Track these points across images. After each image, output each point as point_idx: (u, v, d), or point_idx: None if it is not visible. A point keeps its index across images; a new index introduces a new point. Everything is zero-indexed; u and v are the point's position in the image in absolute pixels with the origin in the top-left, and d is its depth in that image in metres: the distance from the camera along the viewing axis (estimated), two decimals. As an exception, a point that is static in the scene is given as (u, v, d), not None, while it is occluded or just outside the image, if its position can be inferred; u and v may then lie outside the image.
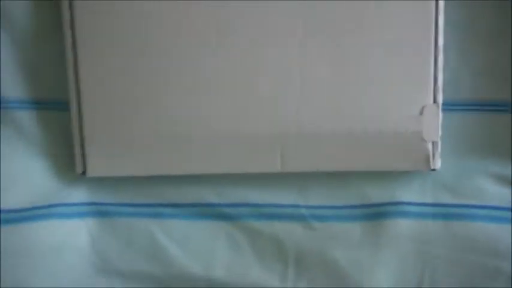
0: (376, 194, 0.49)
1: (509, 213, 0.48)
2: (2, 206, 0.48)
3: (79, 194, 0.50)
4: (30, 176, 0.49)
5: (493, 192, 0.48)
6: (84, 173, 0.48)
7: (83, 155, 0.48)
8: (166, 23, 0.46)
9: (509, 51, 0.48)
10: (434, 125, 0.46)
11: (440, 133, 0.46)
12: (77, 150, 0.48)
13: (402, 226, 0.48)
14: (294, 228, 0.49)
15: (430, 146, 0.46)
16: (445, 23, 0.46)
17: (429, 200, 0.49)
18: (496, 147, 0.49)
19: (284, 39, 0.46)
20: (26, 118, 0.49)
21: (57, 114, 0.49)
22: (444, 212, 0.48)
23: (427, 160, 0.47)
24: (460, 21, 0.48)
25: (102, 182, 0.50)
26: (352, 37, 0.46)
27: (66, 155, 0.49)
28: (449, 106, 0.48)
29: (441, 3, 0.45)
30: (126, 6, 0.46)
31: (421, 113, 0.46)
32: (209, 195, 0.50)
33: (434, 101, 0.46)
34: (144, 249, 0.50)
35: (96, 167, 0.48)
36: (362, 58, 0.46)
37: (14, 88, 0.49)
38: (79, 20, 0.46)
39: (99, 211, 0.50)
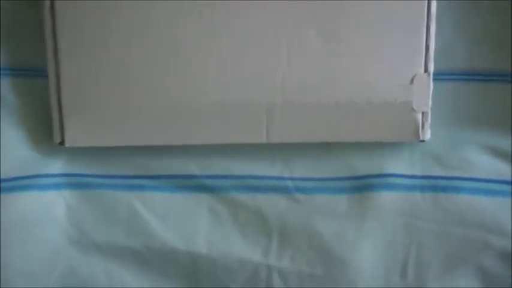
0: (363, 165, 0.48)
1: (499, 185, 0.47)
2: (-24, 177, 0.46)
3: (57, 165, 0.48)
4: (7, 145, 0.47)
5: (484, 164, 0.47)
6: (62, 143, 0.46)
7: (61, 125, 0.46)
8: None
9: (506, 20, 0.47)
10: (424, 94, 0.45)
11: (430, 103, 0.45)
12: (55, 119, 0.46)
13: (389, 198, 0.47)
14: (277, 201, 0.48)
15: (419, 116, 0.45)
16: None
17: (418, 172, 0.47)
18: (488, 118, 0.48)
19: (271, 7, 0.44)
20: (4, 85, 0.47)
21: (36, 82, 0.47)
22: (433, 184, 0.47)
23: (416, 131, 0.45)
24: None
25: (80, 152, 0.48)
26: (340, 5, 0.44)
27: (45, 124, 0.47)
28: (441, 75, 0.47)
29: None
30: None
31: (412, 82, 0.45)
32: (191, 166, 0.48)
33: (426, 70, 0.45)
34: (123, 222, 0.48)
35: (75, 137, 0.46)
36: (350, 26, 0.44)
37: None
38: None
39: (77, 182, 0.49)
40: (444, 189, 0.47)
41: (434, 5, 0.44)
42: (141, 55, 0.45)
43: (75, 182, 0.49)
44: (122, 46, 0.45)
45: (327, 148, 0.47)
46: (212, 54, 0.45)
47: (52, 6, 0.44)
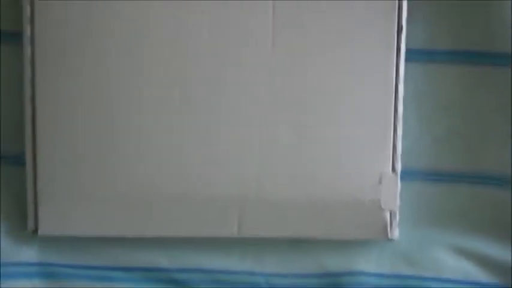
0: (333, 263, 0.48)
1: (466, 286, 0.47)
2: None
3: (29, 253, 0.48)
4: None
5: (452, 264, 0.47)
6: (35, 231, 0.47)
7: (36, 213, 0.47)
8: (125, 82, 0.45)
9: (469, 120, 0.48)
10: (392, 194, 0.46)
11: (398, 202, 0.46)
12: (30, 207, 0.47)
13: None
14: None
15: (388, 215, 0.46)
16: (405, 90, 0.45)
17: (386, 271, 0.48)
18: (455, 218, 0.48)
19: (246, 103, 0.46)
20: None
21: (12, 169, 0.48)
22: (401, 284, 0.47)
23: (384, 229, 0.46)
24: (421, 89, 0.48)
25: (53, 241, 0.48)
26: (312, 104, 0.45)
27: (20, 211, 0.48)
28: (408, 175, 0.47)
29: (401, 70, 0.45)
30: (88, 64, 0.45)
31: (380, 181, 0.45)
32: (161, 259, 0.48)
33: (393, 169, 0.46)
34: None
35: (48, 226, 0.47)
36: (321, 125, 0.45)
37: None
38: (39, 74, 0.45)
39: (48, 272, 0.48)
40: None
41: (401, 105, 0.45)
42: (114, 146, 0.46)
43: (46, 272, 0.48)
44: (98, 138, 0.46)
45: (297, 244, 0.48)
46: (185, 146, 0.46)
47: (33, 94, 0.46)
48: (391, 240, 0.46)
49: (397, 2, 0.45)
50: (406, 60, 0.45)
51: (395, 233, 0.46)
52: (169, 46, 0.45)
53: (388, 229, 0.46)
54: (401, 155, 0.46)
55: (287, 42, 0.45)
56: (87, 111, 0.46)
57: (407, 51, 0.45)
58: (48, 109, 0.46)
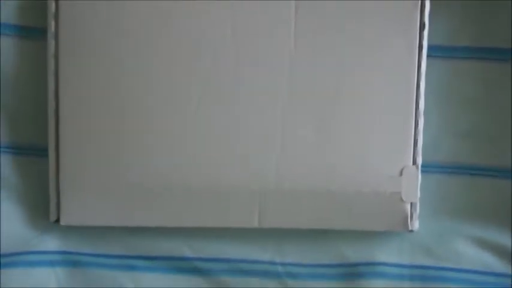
0: (353, 253, 0.48)
1: (486, 277, 0.48)
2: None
3: (51, 242, 0.49)
4: (6, 222, 0.48)
5: (471, 255, 0.48)
6: (57, 221, 0.47)
7: (58, 204, 0.47)
8: (146, 77, 0.46)
9: (492, 114, 0.49)
10: (413, 186, 0.46)
11: (419, 194, 0.47)
12: (52, 198, 0.47)
13: (379, 287, 0.48)
14: (268, 286, 0.48)
15: (408, 207, 0.46)
16: (426, 86, 0.46)
17: (406, 262, 0.48)
18: (474, 210, 0.49)
19: (267, 97, 0.46)
20: (4, 163, 0.48)
21: (35, 161, 0.49)
22: (421, 274, 0.48)
23: (405, 221, 0.46)
24: (442, 85, 0.48)
25: (75, 231, 0.49)
26: (334, 98, 0.46)
27: (42, 202, 0.48)
28: (429, 168, 0.48)
29: (423, 67, 0.46)
30: (110, 60, 0.46)
31: (401, 174, 0.46)
32: (184, 249, 0.49)
33: (414, 162, 0.46)
34: None
35: (70, 216, 0.47)
36: (343, 118, 0.46)
37: None
38: (62, 68, 0.46)
39: (70, 260, 0.49)
40: (432, 279, 0.48)
41: (422, 101, 0.46)
42: (139, 139, 0.46)
43: (68, 260, 0.49)
44: (121, 129, 0.46)
45: (318, 235, 0.48)
46: (207, 139, 0.46)
47: (56, 86, 0.46)
48: (411, 231, 0.47)
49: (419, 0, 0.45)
50: (428, 56, 0.46)
51: (416, 225, 0.47)
52: (190, 43, 0.46)
53: (409, 221, 0.46)
54: (423, 148, 0.46)
55: (309, 38, 0.46)
56: (108, 105, 0.46)
57: (429, 47, 0.46)
58: (71, 103, 0.46)
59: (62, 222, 0.47)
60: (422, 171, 0.47)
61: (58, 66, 0.46)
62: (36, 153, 0.49)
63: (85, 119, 0.46)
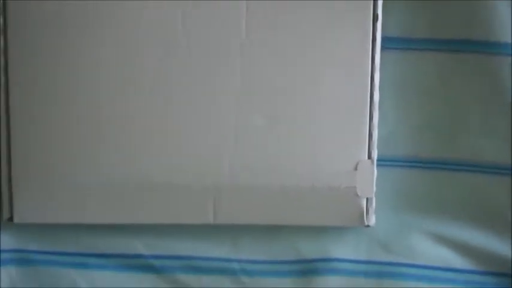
0: (308, 249, 0.48)
1: (444, 273, 0.47)
2: None
3: (4, 241, 0.48)
4: None
5: (428, 251, 0.47)
6: (10, 219, 0.46)
7: (10, 201, 0.46)
8: (96, 72, 0.45)
9: (447, 108, 0.48)
10: (368, 180, 0.46)
11: (374, 189, 0.46)
12: (4, 195, 0.46)
13: (333, 283, 0.47)
14: (222, 283, 0.48)
15: (364, 202, 0.46)
16: (382, 78, 0.45)
17: (362, 257, 0.48)
18: (432, 204, 0.48)
19: (220, 91, 0.45)
20: None
21: None
22: (377, 270, 0.47)
23: (361, 216, 0.46)
24: (398, 77, 0.48)
25: (28, 229, 0.48)
26: (287, 91, 0.45)
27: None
28: (386, 162, 0.47)
29: (377, 59, 0.45)
30: (60, 56, 0.45)
31: (356, 168, 0.45)
32: (137, 245, 0.48)
33: (369, 156, 0.46)
34: None
35: (23, 214, 0.46)
36: (297, 112, 0.45)
37: None
38: (12, 67, 0.45)
39: (23, 259, 0.48)
40: (389, 275, 0.47)
41: (376, 94, 0.45)
42: (89, 132, 0.46)
43: (21, 258, 0.48)
44: (71, 123, 0.46)
45: (273, 231, 0.48)
46: (159, 134, 0.45)
47: (6, 84, 0.45)
48: (367, 226, 0.46)
49: (372, -10, 0.45)
50: (384, 48, 0.45)
51: (372, 220, 0.46)
52: (141, 36, 0.45)
53: (365, 216, 0.46)
54: (379, 142, 0.46)
55: (261, 29, 0.45)
56: (61, 101, 0.45)
57: (385, 39, 0.45)
58: (22, 98, 0.46)
59: (16, 220, 0.46)
60: (379, 166, 0.46)
61: (7, 61, 0.45)
62: None
63: (37, 116, 0.46)
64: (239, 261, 0.48)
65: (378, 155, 0.46)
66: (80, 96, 0.45)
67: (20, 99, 0.46)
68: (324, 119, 0.45)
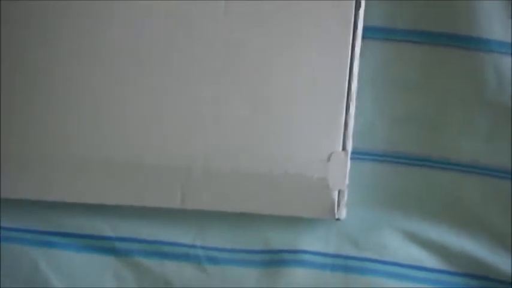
0: (276, 239, 0.46)
1: (412, 271, 0.46)
2: None
3: None
4: None
5: (398, 248, 0.46)
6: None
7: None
8: (80, 46, 0.45)
9: (429, 100, 0.47)
10: (341, 172, 0.44)
11: (347, 182, 0.45)
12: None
13: (300, 275, 0.46)
14: (184, 270, 0.46)
15: (336, 194, 0.45)
16: (361, 69, 0.44)
17: (331, 251, 0.46)
18: (406, 201, 0.47)
19: (198, 72, 0.44)
20: None
21: None
22: (344, 264, 0.46)
23: (332, 209, 0.45)
24: (378, 68, 0.46)
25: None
26: (264, 77, 0.44)
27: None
28: (360, 155, 0.46)
29: (357, 47, 0.44)
30: (48, 28, 0.45)
31: (329, 159, 0.44)
32: (101, 227, 0.47)
33: (344, 148, 0.44)
34: (26, 279, 0.47)
35: None
36: (272, 98, 0.44)
37: None
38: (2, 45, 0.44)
39: None
40: (356, 270, 0.46)
41: (355, 83, 0.44)
42: (57, 109, 0.45)
43: None
44: (42, 100, 0.45)
45: (242, 219, 0.46)
46: (131, 110, 0.44)
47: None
48: (338, 220, 0.45)
49: (356, -23, 0.43)
50: (364, 37, 0.44)
51: (343, 213, 0.45)
52: (121, 11, 0.44)
53: (336, 208, 0.44)
54: (355, 134, 0.44)
55: (240, 13, 0.44)
56: (46, 78, 0.45)
57: (366, 28, 0.44)
58: (9, 73, 0.45)
59: (-22, 194, 0.45)
60: (354, 158, 0.45)
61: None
62: None
63: (22, 92, 0.45)
64: (204, 248, 0.47)
65: (353, 147, 0.45)
66: (61, 75, 0.45)
67: (6, 75, 0.45)
68: (300, 106, 0.44)
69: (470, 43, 0.45)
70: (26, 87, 0.45)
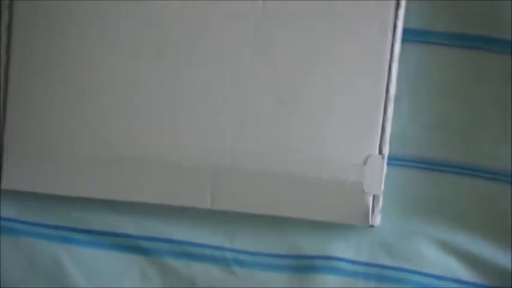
0: (307, 245, 0.45)
1: (447, 282, 0.44)
2: None
3: None
4: None
5: (433, 258, 0.45)
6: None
7: (0, 166, 0.44)
8: (98, 41, 0.44)
9: (464, 108, 0.45)
10: (377, 177, 0.43)
11: (383, 187, 0.43)
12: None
13: (331, 282, 0.44)
14: (211, 271, 0.45)
15: (370, 199, 0.43)
16: (399, 72, 0.43)
17: (363, 259, 0.45)
18: (442, 210, 0.45)
19: (228, 69, 0.43)
20: None
21: None
22: (378, 273, 0.44)
23: (366, 215, 0.43)
24: (415, 71, 0.45)
25: (15, 197, 0.46)
26: (299, 76, 0.43)
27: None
28: (396, 161, 0.45)
29: (396, 48, 0.43)
30: (60, 24, 0.44)
31: (365, 163, 0.43)
32: (126, 225, 0.46)
33: (380, 151, 0.43)
34: (47, 274, 0.45)
35: (12, 181, 0.44)
36: (308, 98, 0.43)
37: None
38: (14, 41, 0.44)
39: (6, 227, 0.46)
40: (389, 280, 0.44)
41: (393, 86, 0.43)
42: (85, 104, 0.44)
43: (4, 226, 0.46)
44: (68, 96, 0.44)
45: (272, 221, 0.45)
46: (159, 107, 0.43)
47: (8, 56, 0.44)
48: (372, 226, 0.43)
49: (396, -22, 0.43)
50: (403, 40, 0.43)
51: (377, 220, 0.43)
52: (150, 8, 0.43)
53: (370, 215, 0.43)
54: (390, 138, 0.43)
55: (277, 13, 0.43)
56: (57, 72, 0.44)
57: (405, 30, 0.43)
58: (20, 68, 0.44)
59: (3, 187, 0.44)
60: (388, 164, 0.43)
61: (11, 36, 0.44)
62: None
63: (33, 85, 0.44)
64: (232, 250, 0.45)
65: (388, 152, 0.43)
66: (75, 69, 0.44)
67: (18, 68, 0.44)
68: (337, 108, 0.43)
69: (510, 47, 0.44)
70: (42, 85, 0.44)
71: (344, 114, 0.43)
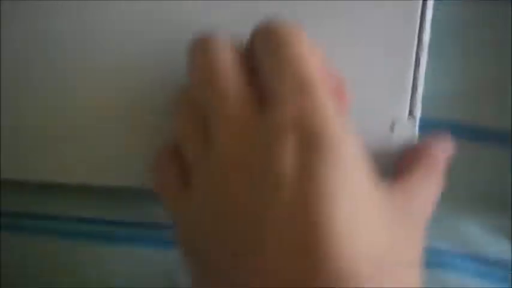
0: None
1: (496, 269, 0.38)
2: None
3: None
4: None
5: (480, 239, 0.38)
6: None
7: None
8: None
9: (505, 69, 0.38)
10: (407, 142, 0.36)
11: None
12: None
13: None
14: None
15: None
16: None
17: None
18: (477, 183, 0.39)
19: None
20: None
21: None
22: None
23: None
24: (452, 23, 0.38)
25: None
26: (324, 29, 0.36)
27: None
28: (426, 126, 0.37)
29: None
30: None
31: (392, 128, 0.36)
32: None
33: (410, 114, 0.36)
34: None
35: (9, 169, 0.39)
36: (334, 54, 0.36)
37: None
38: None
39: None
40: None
41: (427, 35, 0.36)
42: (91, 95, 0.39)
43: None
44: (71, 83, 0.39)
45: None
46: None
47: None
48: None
49: None
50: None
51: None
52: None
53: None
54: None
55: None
56: (48, 58, 0.38)
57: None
58: (12, 56, 0.38)
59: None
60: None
61: None
62: None
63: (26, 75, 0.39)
64: None
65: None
66: (66, 56, 0.38)
67: (9, 57, 0.39)
68: (362, 61, 0.36)
69: None
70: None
71: (370, 72, 0.36)
